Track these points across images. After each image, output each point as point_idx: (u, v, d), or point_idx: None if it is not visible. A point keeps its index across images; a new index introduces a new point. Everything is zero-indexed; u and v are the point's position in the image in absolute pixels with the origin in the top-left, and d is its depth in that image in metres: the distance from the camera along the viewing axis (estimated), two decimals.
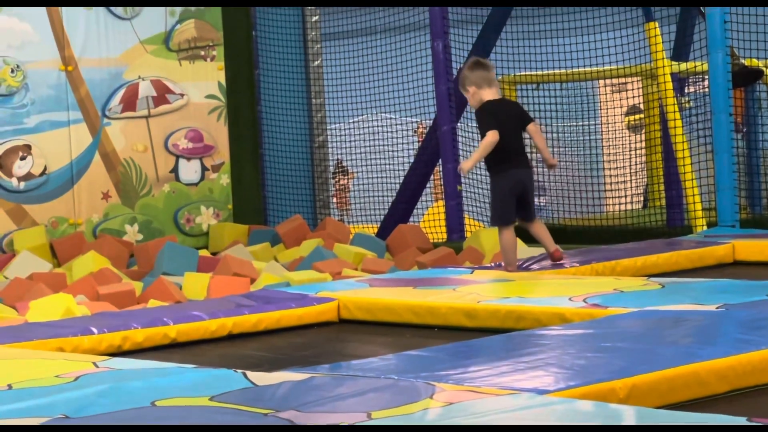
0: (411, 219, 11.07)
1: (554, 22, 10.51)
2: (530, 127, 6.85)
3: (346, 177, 14.21)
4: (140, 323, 5.28)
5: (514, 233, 6.85)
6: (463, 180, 10.39)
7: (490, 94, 6.85)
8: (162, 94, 10.74)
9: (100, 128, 10.40)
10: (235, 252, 9.53)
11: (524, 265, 6.89)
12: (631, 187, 11.78)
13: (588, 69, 10.39)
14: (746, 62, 9.13)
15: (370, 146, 11.80)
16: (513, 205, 6.76)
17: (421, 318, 5.53)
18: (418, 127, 13.11)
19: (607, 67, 10.24)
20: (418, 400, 3.41)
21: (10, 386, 3.92)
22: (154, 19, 10.69)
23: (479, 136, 6.94)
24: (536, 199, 13.28)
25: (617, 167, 12.06)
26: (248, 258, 9.31)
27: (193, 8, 10.90)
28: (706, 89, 9.18)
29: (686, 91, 11.27)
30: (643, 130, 11.33)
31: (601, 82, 12.23)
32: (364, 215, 11.86)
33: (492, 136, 6.65)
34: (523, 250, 8.89)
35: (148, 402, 3.57)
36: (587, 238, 9.80)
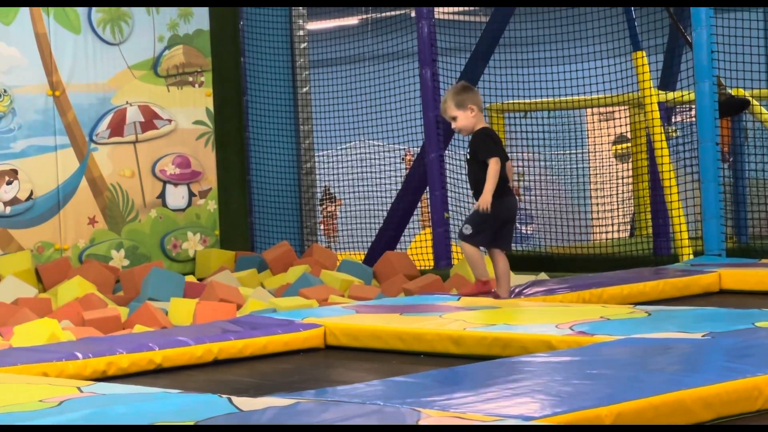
0: (398, 246, 11.07)
1: (542, 50, 10.55)
2: (509, 163, 6.86)
3: (333, 204, 14.21)
4: (125, 348, 5.26)
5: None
6: (450, 207, 10.40)
7: (482, 120, 6.83)
8: (150, 119, 10.74)
9: (87, 153, 10.39)
10: (222, 278, 9.51)
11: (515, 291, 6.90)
12: (618, 216, 11.80)
13: (575, 97, 10.43)
14: (733, 92, 9.17)
15: (357, 173, 11.80)
16: (493, 232, 6.76)
17: (407, 345, 5.52)
18: (405, 155, 13.14)
19: (594, 96, 10.27)
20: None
21: None
22: (143, 44, 10.71)
23: (467, 162, 6.88)
24: (523, 227, 13.32)
25: (604, 196, 12.08)
26: (235, 284, 9.29)
27: (181, 34, 10.91)
28: (693, 118, 9.22)
29: (673, 120, 11.31)
30: (630, 159, 11.36)
31: (589, 110, 12.27)
32: (351, 242, 11.86)
33: (497, 164, 6.58)
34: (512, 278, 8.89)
35: None
36: (574, 266, 9.81)
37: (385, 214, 11.18)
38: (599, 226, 11.69)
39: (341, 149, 12.07)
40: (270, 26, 11.81)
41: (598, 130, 12.41)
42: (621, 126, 11.49)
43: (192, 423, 3.56)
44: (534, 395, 3.83)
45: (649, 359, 4.44)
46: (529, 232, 13.08)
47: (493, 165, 6.57)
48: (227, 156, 11.31)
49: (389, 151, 11.97)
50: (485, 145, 6.68)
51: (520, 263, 10.24)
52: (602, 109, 11.91)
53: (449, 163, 10.54)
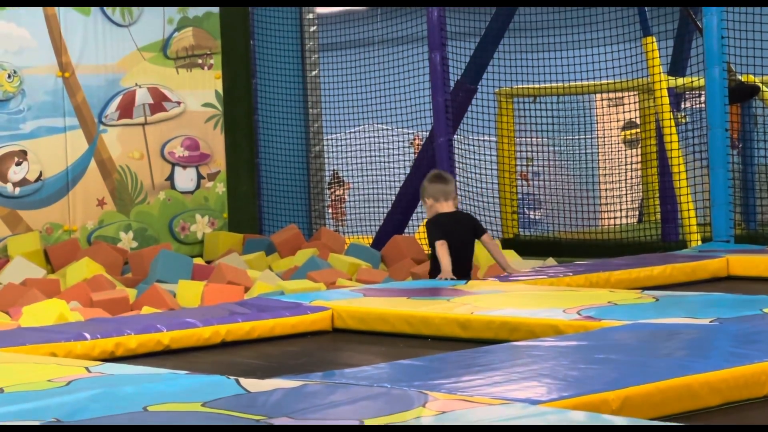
0: (406, 230, 11.08)
1: (552, 35, 10.53)
2: (484, 237, 7.15)
3: (341, 187, 14.21)
4: (133, 329, 5.27)
5: None
6: (459, 192, 10.38)
7: (445, 207, 7.11)
8: (159, 101, 10.74)
9: (96, 135, 10.40)
10: (230, 261, 9.53)
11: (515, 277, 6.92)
12: (627, 202, 11.79)
13: (585, 83, 10.41)
14: (743, 78, 9.14)
15: (366, 157, 11.80)
16: None
17: (414, 328, 5.52)
18: (414, 139, 13.13)
19: (604, 81, 10.26)
20: (411, 408, 3.41)
21: (2, 390, 3.91)
22: (152, 26, 10.70)
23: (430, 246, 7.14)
24: (531, 213, 13.31)
25: (613, 181, 12.08)
26: (243, 267, 9.30)
27: (191, 16, 10.91)
28: (703, 105, 9.21)
29: (682, 106, 11.29)
30: (639, 145, 11.35)
31: (598, 96, 12.25)
32: (359, 226, 11.87)
33: (440, 246, 6.86)
34: (518, 263, 8.91)
35: (140, 407, 3.56)
36: (582, 251, 9.81)
37: (393, 198, 11.19)
38: (608, 211, 11.68)
39: (350, 133, 12.07)
40: (280, 9, 11.80)
41: (607, 115, 12.40)
42: (630, 111, 11.47)
43: (199, 403, 3.57)
44: (541, 379, 3.84)
45: (657, 344, 4.44)
46: (537, 217, 13.08)
47: (437, 248, 6.87)
48: (236, 139, 11.32)
49: (398, 135, 11.96)
50: (428, 234, 7.05)
51: (528, 248, 10.26)
52: (612, 95, 11.90)
53: (458, 148, 10.54)
